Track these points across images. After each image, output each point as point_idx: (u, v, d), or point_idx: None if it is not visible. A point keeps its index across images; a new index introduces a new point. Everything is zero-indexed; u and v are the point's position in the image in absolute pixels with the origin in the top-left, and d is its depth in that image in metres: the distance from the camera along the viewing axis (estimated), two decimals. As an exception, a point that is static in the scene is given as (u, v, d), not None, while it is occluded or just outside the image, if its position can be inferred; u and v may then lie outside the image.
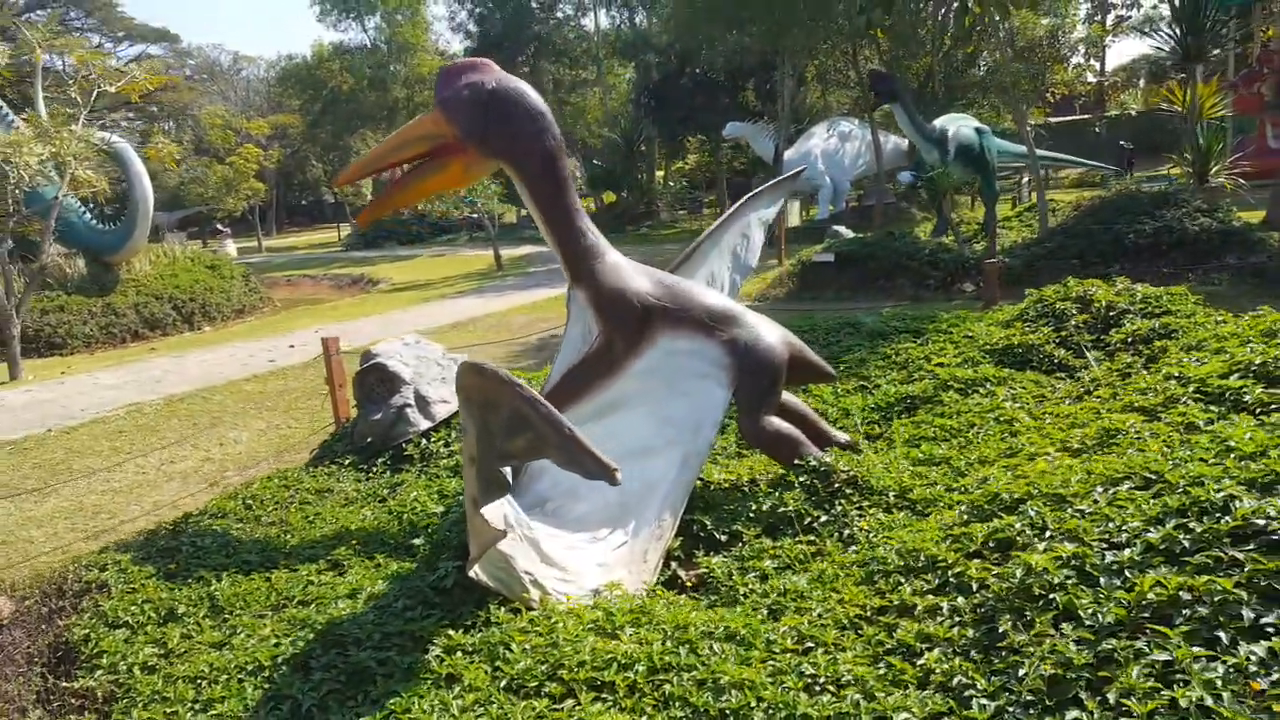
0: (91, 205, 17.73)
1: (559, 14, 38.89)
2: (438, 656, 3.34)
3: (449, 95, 4.75)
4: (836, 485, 4.60)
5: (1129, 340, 6.00)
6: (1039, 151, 17.69)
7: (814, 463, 4.73)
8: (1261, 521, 2.70)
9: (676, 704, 2.93)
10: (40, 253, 12.49)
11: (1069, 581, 2.82)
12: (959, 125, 16.58)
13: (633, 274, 4.97)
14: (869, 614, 3.32)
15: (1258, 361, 4.45)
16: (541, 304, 16.12)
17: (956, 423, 5.59)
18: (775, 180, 6.92)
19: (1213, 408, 4.20)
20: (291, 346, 13.08)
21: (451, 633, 3.47)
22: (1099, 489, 3.35)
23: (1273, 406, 3.98)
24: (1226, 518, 2.78)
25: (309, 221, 60.11)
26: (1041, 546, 3.06)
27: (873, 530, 4.16)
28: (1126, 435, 4.22)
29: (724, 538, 4.57)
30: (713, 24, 24.25)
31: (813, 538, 4.34)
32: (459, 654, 3.36)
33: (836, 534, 4.30)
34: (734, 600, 3.95)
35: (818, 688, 2.92)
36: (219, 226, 35.77)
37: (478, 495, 3.34)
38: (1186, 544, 2.76)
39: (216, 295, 19.55)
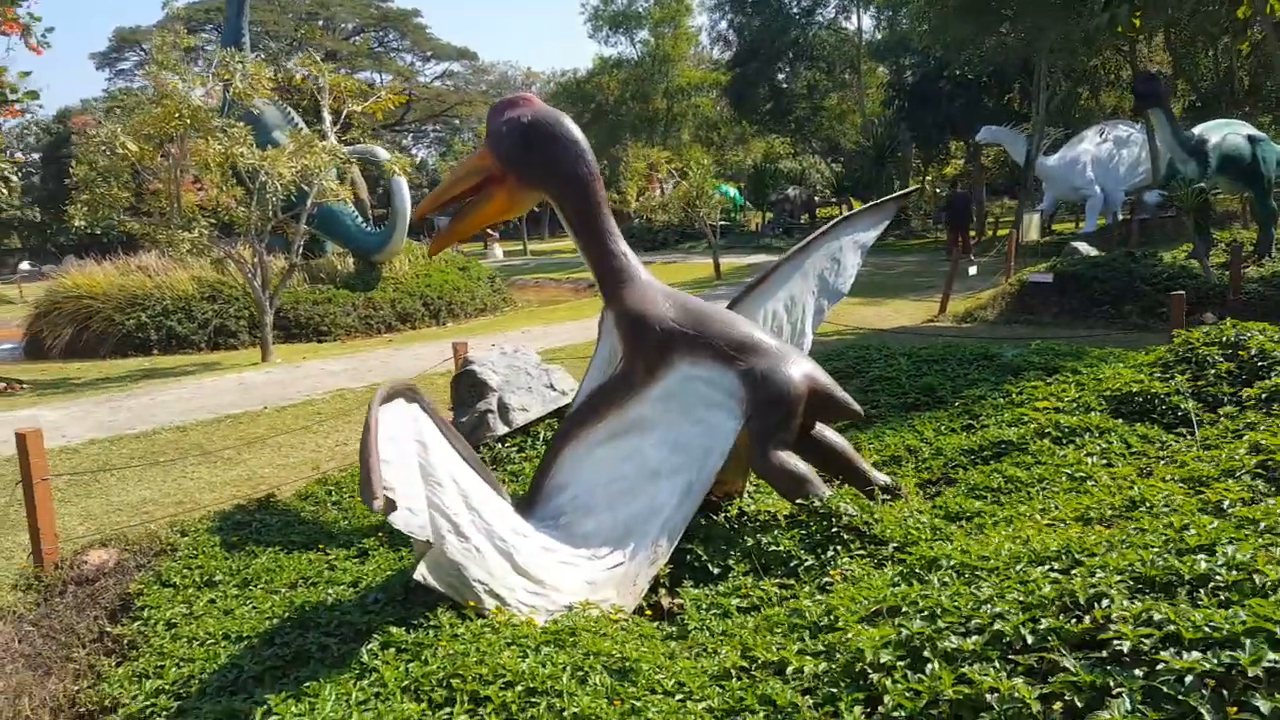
0: (355, 211, 20.34)
1: (819, 18, 38.41)
2: (371, 650, 3.65)
3: (492, 130, 5.12)
4: (834, 530, 4.39)
5: (1265, 396, 5.08)
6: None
7: (816, 504, 4.53)
8: (1114, 628, 2.33)
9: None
10: (293, 252, 14.50)
11: (899, 663, 2.59)
12: (1225, 133, 14.46)
13: (659, 298, 5.04)
14: (750, 667, 3.20)
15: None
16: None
17: (1028, 475, 5.08)
18: (880, 200, 6.61)
19: (1262, 485, 3.54)
20: (493, 345, 14.19)
21: (394, 630, 3.76)
22: (1019, 565, 3.00)
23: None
24: (1083, 618, 2.42)
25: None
26: (916, 624, 2.81)
27: (838, 582, 3.94)
28: (1154, 507, 3.67)
29: (716, 570, 4.52)
30: (965, 24, 22.93)
31: (792, 581, 4.19)
32: (391, 650, 3.65)
33: (816, 580, 4.12)
34: (684, 634, 3.94)
35: (649, 733, 2.90)
36: (489, 230, 39.22)
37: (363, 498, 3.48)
38: (1029, 640, 2.44)
39: (463, 295, 21.55)
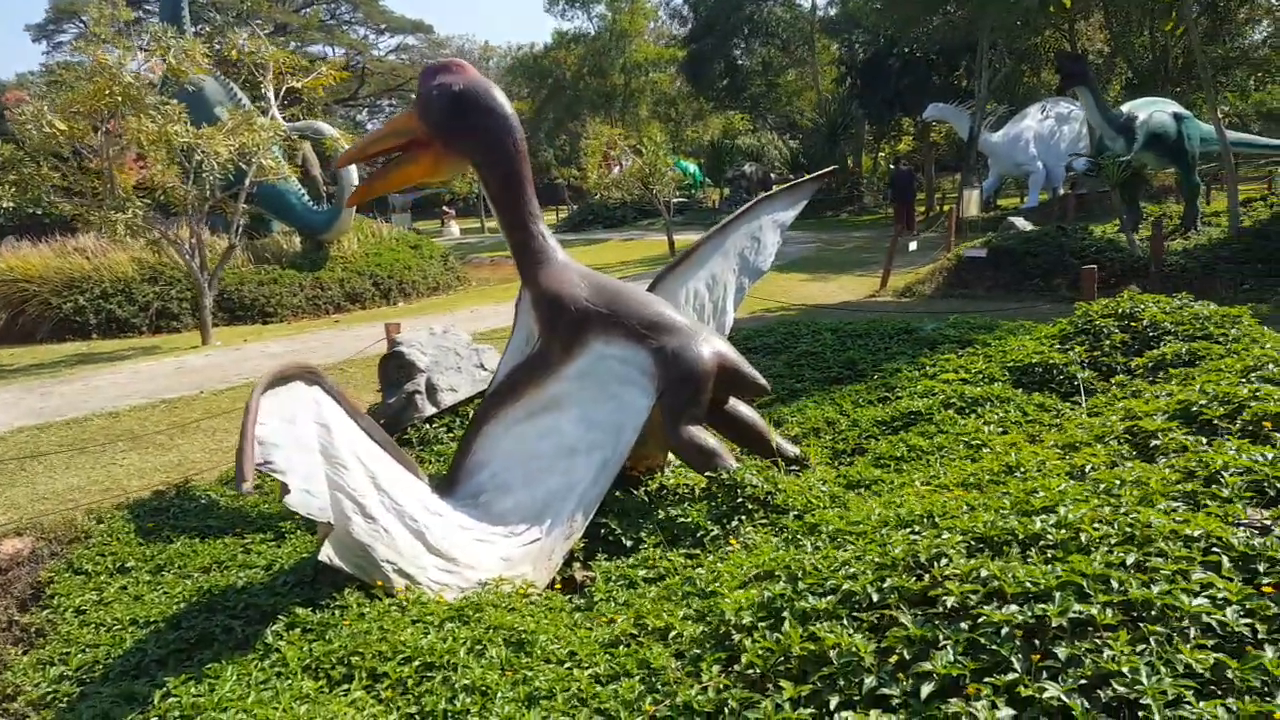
0: (302, 189, 20.09)
1: (773, -6, 38.43)
2: (275, 631, 3.73)
3: (423, 93, 5.14)
4: (740, 501, 4.56)
5: (1152, 365, 5.34)
6: (1237, 136, 15.50)
7: (724, 477, 4.70)
8: (946, 585, 2.51)
9: (417, 700, 3.15)
10: (232, 232, 14.34)
11: (760, 623, 2.76)
12: (1152, 110, 14.86)
13: (575, 279, 5.14)
14: (639, 634, 3.36)
15: (1228, 397, 3.91)
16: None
17: (929, 444, 5.30)
18: (798, 181, 6.77)
19: (1127, 449, 3.76)
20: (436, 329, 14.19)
21: (300, 611, 3.84)
22: (885, 529, 3.18)
23: (1185, 450, 3.52)
24: (922, 577, 2.60)
25: (541, 204, 63.60)
26: (779, 587, 2.98)
27: (736, 551, 4.12)
28: (1026, 472, 3.88)
29: (630, 543, 4.66)
30: (912, 2, 23.17)
31: (698, 551, 4.36)
32: (296, 630, 3.74)
33: (719, 550, 4.29)
34: (591, 606, 4.09)
35: (539, 698, 3.04)
36: (445, 208, 38.92)
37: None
38: (874, 598, 2.62)
39: (414, 274, 21.40)
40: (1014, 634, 2.26)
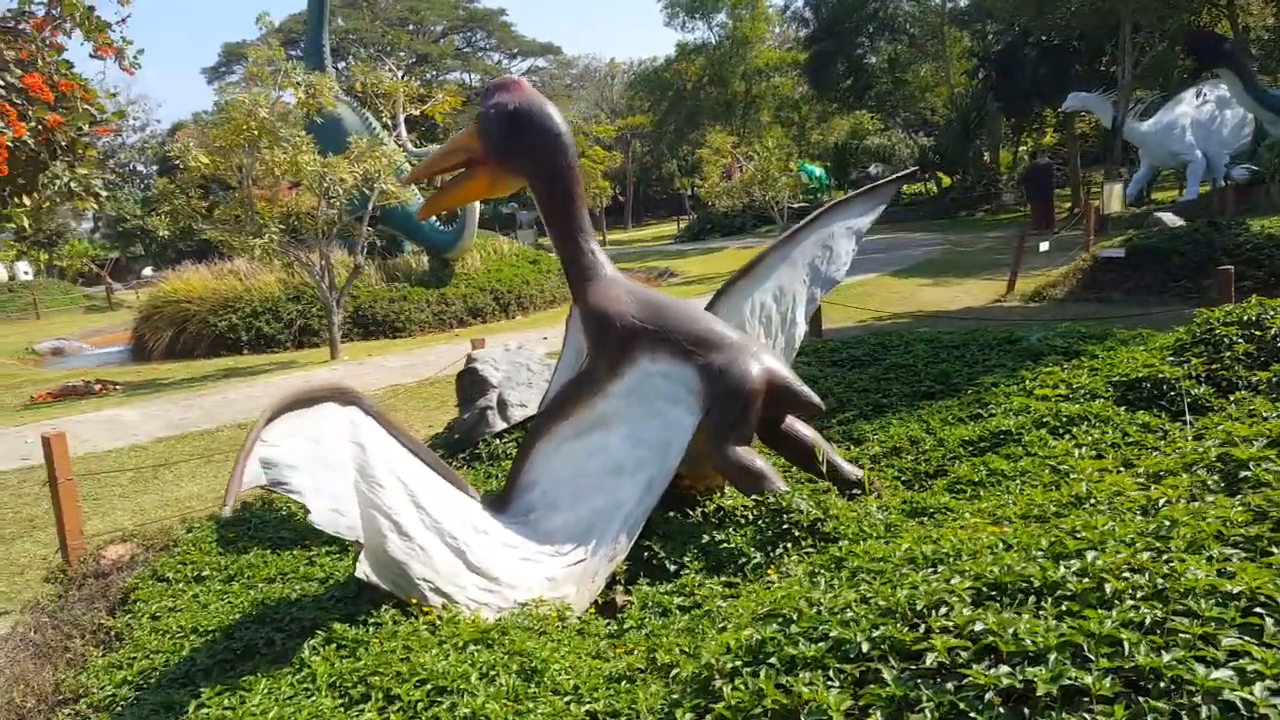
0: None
1: (899, -12, 37.20)
2: (313, 646, 3.81)
3: (481, 112, 5.20)
4: (786, 527, 4.33)
5: (1275, 380, 4.72)
6: None
7: (771, 500, 4.48)
8: (933, 641, 2.25)
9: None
10: (357, 252, 15.03)
11: (745, 669, 2.57)
12: (1319, 87, 13.39)
13: (622, 294, 5.05)
14: (647, 669, 3.22)
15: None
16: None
17: (1012, 468, 4.89)
18: (876, 184, 6.42)
19: (1214, 480, 3.32)
20: (545, 338, 14.43)
21: (337, 626, 3.91)
22: (905, 568, 2.92)
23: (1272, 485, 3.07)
24: (917, 626, 2.36)
25: (667, 214, 63.99)
26: (770, 630, 2.77)
27: (776, 581, 3.90)
28: (1097, 504, 3.50)
29: (673, 567, 4.52)
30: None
31: (739, 580, 4.17)
32: (331, 646, 3.81)
33: (760, 579, 4.08)
34: (621, 633, 3.97)
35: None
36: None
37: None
38: (864, 648, 2.39)
39: (532, 288, 21.90)
40: (994, 701, 1.99)
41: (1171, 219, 15.58)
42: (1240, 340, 5.32)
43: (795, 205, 40.42)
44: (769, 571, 4.01)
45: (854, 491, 4.90)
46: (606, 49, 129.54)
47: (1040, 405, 5.54)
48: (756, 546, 4.32)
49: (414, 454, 4.46)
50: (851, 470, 5.04)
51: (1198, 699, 1.85)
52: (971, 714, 1.99)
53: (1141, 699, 1.88)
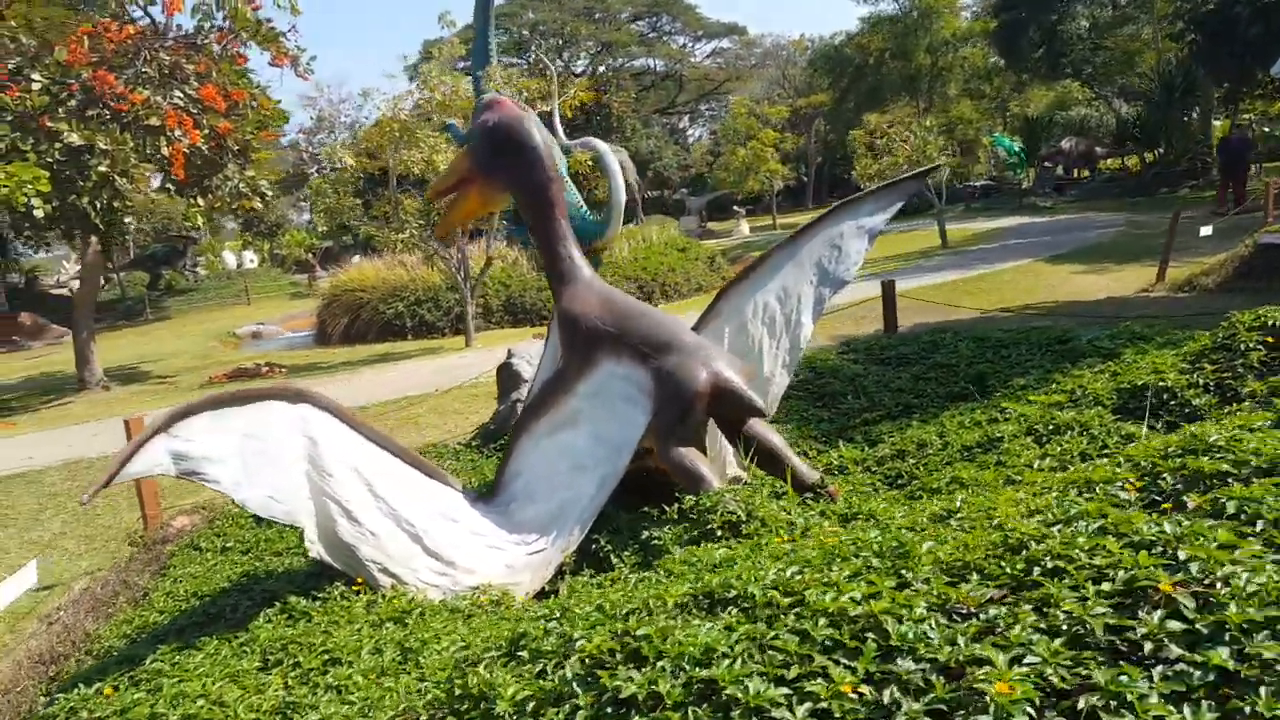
0: (580, 200, 21.67)
1: (1100, -52, 34.10)
2: (267, 615, 4.35)
3: (469, 133, 5.61)
4: (711, 527, 4.44)
5: (1266, 392, 4.25)
6: None
7: (704, 499, 4.59)
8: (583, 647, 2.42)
9: (303, 687, 3.58)
10: (489, 244, 15.96)
11: (494, 661, 2.81)
12: None
13: (592, 298, 5.29)
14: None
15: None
16: (919, 290, 15.31)
17: (973, 476, 4.72)
18: (892, 181, 6.25)
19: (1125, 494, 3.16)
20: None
21: (293, 598, 4.42)
22: (708, 572, 3.03)
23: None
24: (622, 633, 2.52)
25: (839, 195, 62.26)
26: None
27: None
28: (962, 521, 3.40)
29: (616, 561, 4.74)
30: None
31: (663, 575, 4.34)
32: (283, 615, 4.34)
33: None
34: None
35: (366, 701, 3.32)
36: (735, 207, 39.58)
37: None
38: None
39: (677, 275, 22.25)
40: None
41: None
42: (1259, 347, 4.79)
43: (979, 183, 38.33)
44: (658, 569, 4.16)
45: (809, 495, 4.90)
46: (794, 26, 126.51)
47: (1033, 412, 5.25)
48: (681, 543, 4.46)
49: (382, 448, 4.93)
50: (808, 474, 5.04)
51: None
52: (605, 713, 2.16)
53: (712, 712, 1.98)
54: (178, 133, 14.19)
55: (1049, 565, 2.28)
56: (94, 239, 15.23)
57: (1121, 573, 2.09)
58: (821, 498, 4.89)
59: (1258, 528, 2.32)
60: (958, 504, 3.56)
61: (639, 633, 2.37)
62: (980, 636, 2.05)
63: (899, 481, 5.40)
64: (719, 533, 4.42)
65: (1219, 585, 1.96)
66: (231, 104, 15.34)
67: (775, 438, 5.15)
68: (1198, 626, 1.85)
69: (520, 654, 2.73)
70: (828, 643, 2.10)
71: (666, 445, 4.83)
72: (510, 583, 4.79)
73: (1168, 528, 2.28)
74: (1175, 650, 1.81)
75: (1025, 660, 1.87)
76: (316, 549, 4.46)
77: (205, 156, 14.87)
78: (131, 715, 3.50)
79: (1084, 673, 1.82)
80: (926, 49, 40.46)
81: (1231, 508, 2.52)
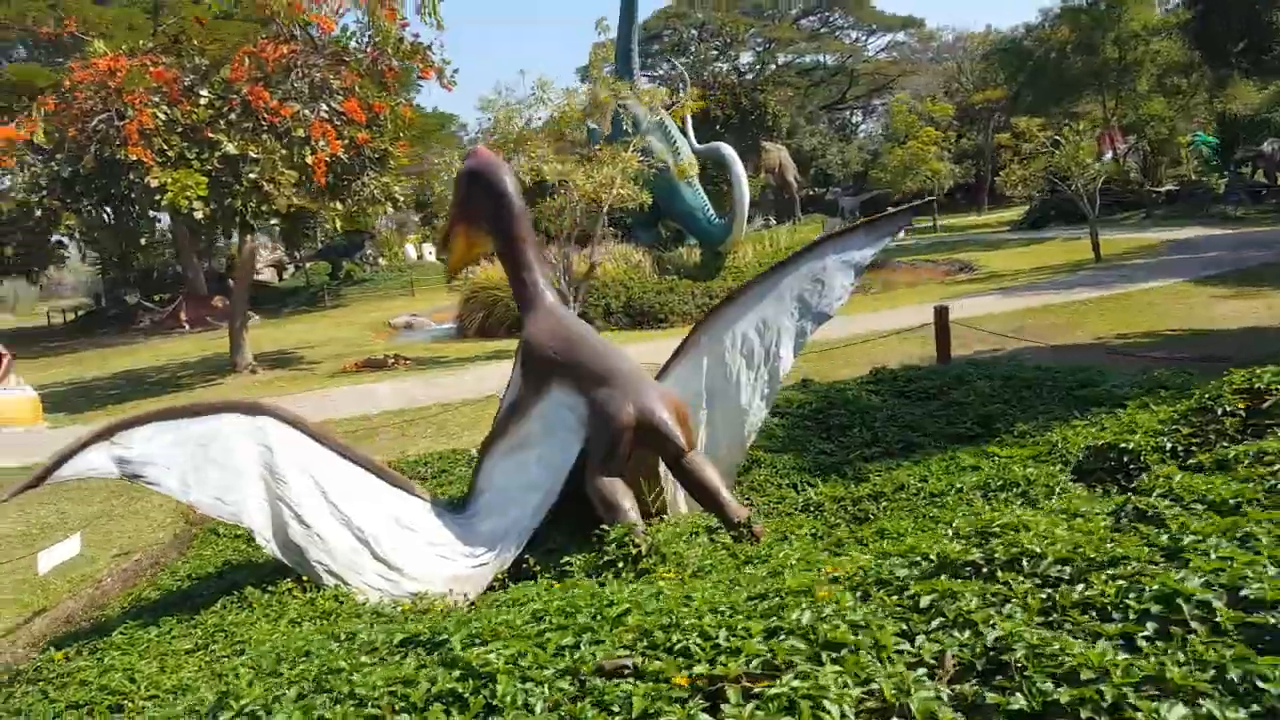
0: (708, 205, 21.81)
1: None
2: (223, 604, 4.86)
3: (456, 180, 6.00)
4: (613, 558, 4.57)
5: (1202, 465, 3.85)
6: None
7: (616, 531, 4.70)
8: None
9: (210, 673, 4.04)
10: (591, 250, 16.39)
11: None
12: None
13: (548, 327, 5.51)
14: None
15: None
16: (1058, 307, 14.38)
17: (896, 527, 4.59)
18: (884, 215, 6.09)
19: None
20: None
21: (250, 589, 4.94)
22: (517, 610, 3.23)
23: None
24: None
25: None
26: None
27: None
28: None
29: (547, 577, 4.95)
30: None
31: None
32: (236, 607, 4.85)
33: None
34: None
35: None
36: (890, 209, 38.03)
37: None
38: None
39: (804, 280, 21.89)
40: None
41: None
42: (1237, 413, 4.32)
43: (1164, 189, 35.12)
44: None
45: (735, 533, 4.92)
46: (977, 19, 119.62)
47: (987, 465, 5.00)
48: (586, 573, 4.62)
49: (345, 458, 5.38)
50: (737, 512, 5.03)
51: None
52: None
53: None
54: (321, 143, 15.52)
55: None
56: (249, 238, 16.92)
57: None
58: (744, 538, 4.90)
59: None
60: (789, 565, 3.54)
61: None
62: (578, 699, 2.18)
63: (865, 523, 5.29)
64: (619, 565, 4.55)
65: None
66: (372, 116, 16.60)
67: (709, 473, 5.19)
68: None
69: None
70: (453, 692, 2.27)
71: (592, 474, 4.99)
72: (455, 591, 5.10)
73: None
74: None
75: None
76: (270, 546, 4.96)
77: (344, 164, 16.16)
78: (71, 679, 4.10)
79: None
80: (1114, 41, 37.51)
81: (925, 602, 2.46)
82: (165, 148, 14.32)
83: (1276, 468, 3.29)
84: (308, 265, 39.94)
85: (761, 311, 5.99)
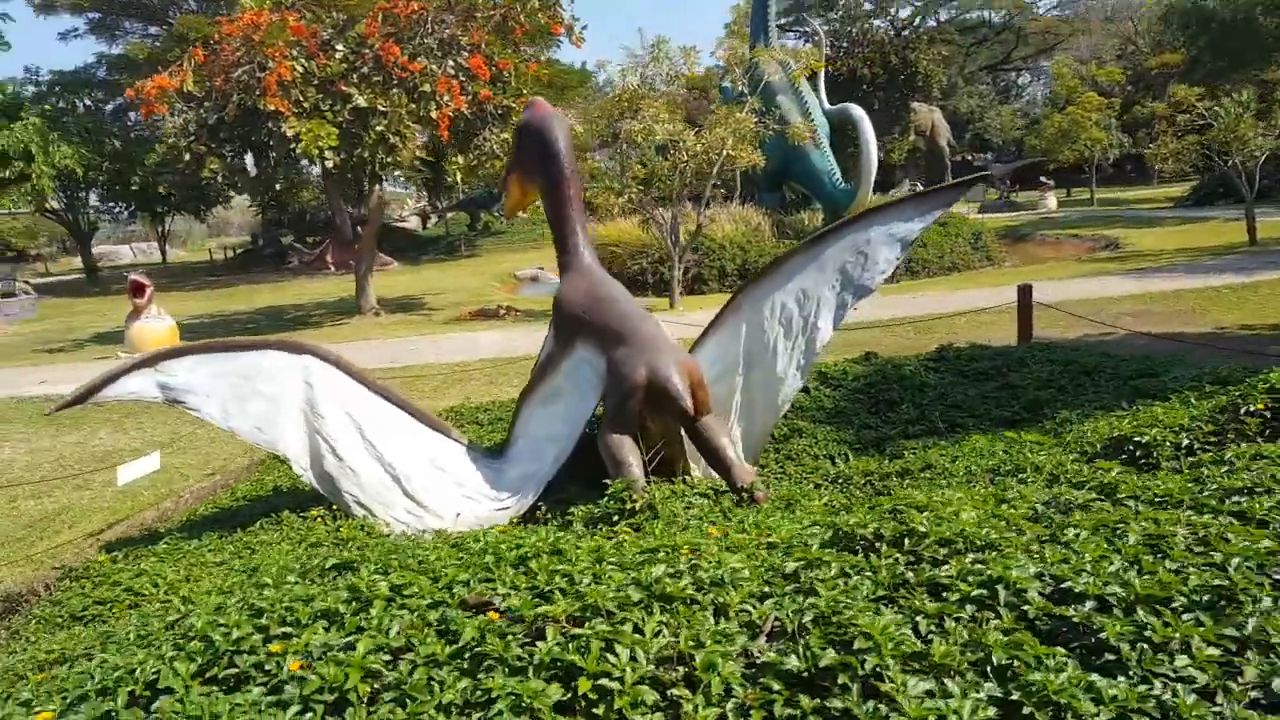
0: (834, 169, 21.27)
1: None
2: (262, 525, 5.31)
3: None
4: (609, 513, 4.73)
5: (1197, 462, 3.62)
6: None
7: (615, 486, 4.85)
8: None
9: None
10: (701, 211, 16.35)
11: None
12: None
13: (581, 287, 5.65)
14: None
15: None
16: (1189, 293, 13.36)
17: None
18: (933, 188, 5.85)
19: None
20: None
21: (286, 513, 5.36)
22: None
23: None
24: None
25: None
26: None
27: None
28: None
29: (556, 526, 5.19)
30: None
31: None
32: (272, 528, 5.30)
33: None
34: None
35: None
36: (1043, 179, 35.88)
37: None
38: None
39: (929, 252, 21.09)
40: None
41: None
42: (1255, 414, 4.00)
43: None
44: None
45: (739, 496, 4.99)
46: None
47: (1001, 448, 4.83)
48: (587, 524, 4.82)
49: (386, 399, 5.75)
50: (742, 477, 5.08)
51: None
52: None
53: None
54: (446, 98, 16.15)
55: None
56: (377, 187, 17.84)
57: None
58: (744, 502, 4.97)
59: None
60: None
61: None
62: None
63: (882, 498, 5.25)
64: (615, 519, 4.72)
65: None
66: (496, 73, 17.10)
67: (720, 438, 5.24)
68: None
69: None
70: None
71: (604, 429, 5.15)
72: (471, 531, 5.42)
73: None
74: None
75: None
76: (307, 475, 5.39)
77: (468, 120, 16.75)
78: (106, 579, 4.64)
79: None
80: (1317, 0, 33.73)
81: (790, 568, 2.51)
82: (301, 99, 15.27)
83: (1253, 470, 3.09)
84: (449, 215, 41.53)
85: (802, 281, 5.93)
